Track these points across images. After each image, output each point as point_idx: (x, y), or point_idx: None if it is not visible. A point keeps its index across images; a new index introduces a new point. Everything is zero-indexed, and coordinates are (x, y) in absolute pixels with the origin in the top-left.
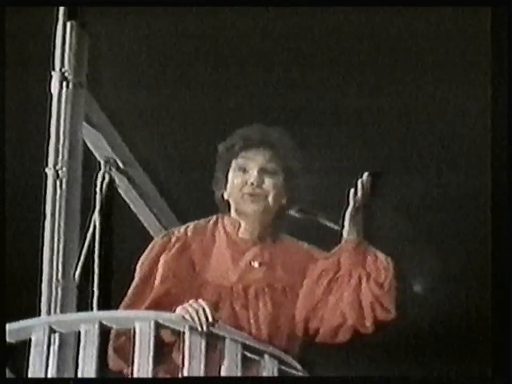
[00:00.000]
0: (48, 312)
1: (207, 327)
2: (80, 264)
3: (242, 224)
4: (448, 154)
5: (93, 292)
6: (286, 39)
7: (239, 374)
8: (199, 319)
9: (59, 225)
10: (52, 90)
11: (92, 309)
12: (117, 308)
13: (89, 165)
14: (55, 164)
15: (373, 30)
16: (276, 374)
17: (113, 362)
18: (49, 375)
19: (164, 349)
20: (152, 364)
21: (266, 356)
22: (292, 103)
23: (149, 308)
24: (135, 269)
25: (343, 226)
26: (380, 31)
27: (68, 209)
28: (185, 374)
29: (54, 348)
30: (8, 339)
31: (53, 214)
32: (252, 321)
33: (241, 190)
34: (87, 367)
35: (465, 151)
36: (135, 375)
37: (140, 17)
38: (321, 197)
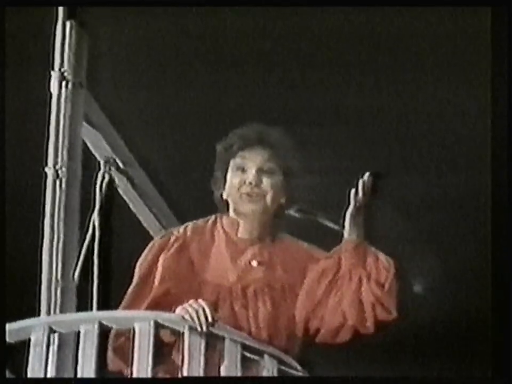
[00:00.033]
0: (48, 312)
1: (207, 327)
2: (79, 264)
3: (241, 224)
4: (448, 154)
5: (92, 292)
6: (286, 39)
7: (238, 374)
8: (199, 319)
9: (58, 225)
10: (52, 90)
11: (91, 309)
12: (116, 308)
13: (89, 164)
14: (55, 163)
15: (373, 30)
16: (275, 374)
17: (113, 362)
18: (48, 375)
19: (163, 349)
20: (152, 364)
21: (266, 356)
22: (292, 103)
23: (148, 308)
24: (134, 269)
25: (343, 226)
26: (380, 31)
27: (67, 209)
28: (185, 374)
29: (54, 348)
30: (7, 339)
31: (52, 214)
32: (251, 321)
33: (239, 190)
34: (87, 367)
35: (465, 151)
36: (134, 375)
37: (140, 17)
38: (321, 197)
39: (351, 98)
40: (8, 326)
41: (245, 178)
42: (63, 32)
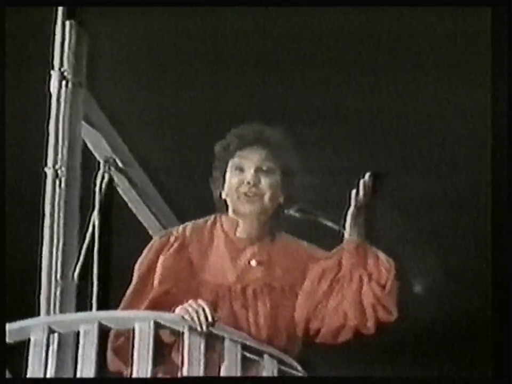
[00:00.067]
0: (47, 312)
1: (207, 327)
2: (79, 264)
3: (240, 224)
4: (448, 154)
5: (92, 291)
6: (286, 39)
7: (238, 374)
8: (199, 319)
9: (58, 224)
10: (51, 89)
11: (91, 309)
12: (116, 308)
13: (89, 164)
14: (54, 163)
15: (373, 30)
16: (275, 374)
17: (113, 362)
18: (48, 376)
19: (163, 349)
20: (152, 364)
21: (265, 356)
22: (292, 102)
23: (148, 308)
24: (133, 269)
25: (343, 227)
26: (380, 31)
27: (67, 208)
28: (185, 374)
29: (53, 348)
30: (7, 339)
31: (52, 214)
32: (251, 321)
33: (237, 190)
34: (86, 368)
35: (465, 151)
36: (134, 376)
37: (139, 16)
38: (321, 197)
39: (351, 98)
40: (8, 326)
41: (243, 178)
42: (63, 32)
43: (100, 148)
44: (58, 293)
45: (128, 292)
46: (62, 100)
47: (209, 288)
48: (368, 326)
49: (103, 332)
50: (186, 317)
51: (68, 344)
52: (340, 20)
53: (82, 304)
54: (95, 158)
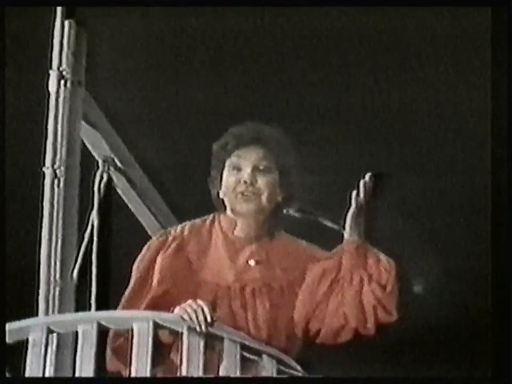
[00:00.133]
0: (46, 313)
1: (206, 327)
2: (78, 264)
3: (239, 223)
4: (448, 154)
5: (90, 291)
6: (286, 39)
7: (237, 375)
8: (198, 319)
9: (57, 224)
10: (50, 89)
11: (89, 309)
12: (115, 308)
13: (87, 164)
14: (53, 163)
15: (373, 30)
16: (274, 374)
17: (112, 363)
18: (47, 376)
19: (162, 349)
20: (151, 364)
21: (265, 356)
22: (293, 102)
23: (146, 308)
24: (132, 269)
25: (343, 227)
26: (380, 31)
27: (65, 208)
28: (184, 374)
29: (52, 348)
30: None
31: (50, 214)
32: (250, 320)
33: (235, 189)
34: (85, 368)
35: (465, 151)
36: (133, 376)
37: (138, 16)
38: (321, 197)
39: (351, 98)
40: (7, 326)
41: (240, 178)
42: (62, 31)
43: (98, 147)
44: (57, 293)
45: (127, 292)
46: (60, 99)
47: (208, 288)
48: (368, 327)
49: (102, 332)
50: (185, 317)
51: (67, 344)
52: (340, 19)
53: (81, 304)
54: (94, 157)
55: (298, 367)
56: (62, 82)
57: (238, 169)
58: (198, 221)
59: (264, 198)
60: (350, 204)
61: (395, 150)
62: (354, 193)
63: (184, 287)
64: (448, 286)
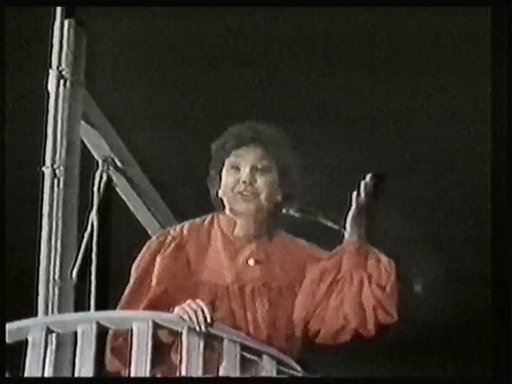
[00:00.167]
0: (45, 313)
1: (205, 327)
2: (77, 263)
3: (238, 223)
4: (448, 154)
5: (90, 292)
6: (286, 39)
7: (237, 375)
8: (197, 319)
9: (56, 224)
10: (50, 88)
11: (89, 309)
12: (114, 308)
13: (87, 163)
14: (53, 162)
15: (373, 30)
16: (274, 375)
17: (111, 363)
18: (46, 376)
19: (161, 350)
20: (150, 364)
21: (264, 356)
22: (293, 102)
23: (146, 308)
24: (131, 269)
25: (343, 227)
26: (380, 31)
27: (65, 208)
28: (183, 374)
29: (51, 348)
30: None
31: (50, 213)
32: (249, 320)
33: (233, 189)
34: (85, 368)
35: (465, 152)
36: (132, 376)
37: (138, 16)
38: (321, 197)
39: (351, 98)
40: (6, 326)
41: (239, 177)
42: (61, 30)
43: (98, 147)
44: (56, 293)
45: (126, 292)
46: (60, 99)
47: (207, 288)
48: (368, 328)
49: (101, 332)
50: (185, 317)
51: (66, 344)
52: (339, 20)
53: (81, 304)
54: (93, 157)
55: (298, 367)
56: (62, 82)
57: (236, 168)
58: (197, 220)
59: (263, 197)
60: (351, 204)
61: (395, 150)
62: (354, 193)
63: (184, 287)
64: (448, 286)
